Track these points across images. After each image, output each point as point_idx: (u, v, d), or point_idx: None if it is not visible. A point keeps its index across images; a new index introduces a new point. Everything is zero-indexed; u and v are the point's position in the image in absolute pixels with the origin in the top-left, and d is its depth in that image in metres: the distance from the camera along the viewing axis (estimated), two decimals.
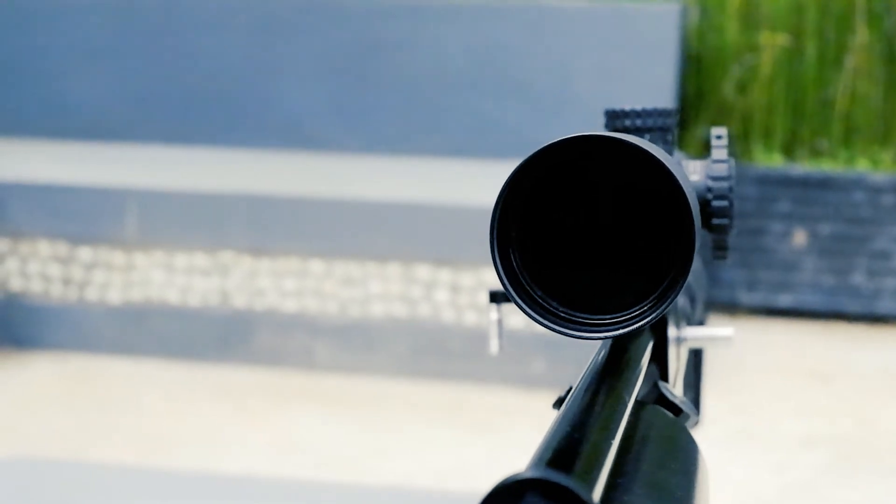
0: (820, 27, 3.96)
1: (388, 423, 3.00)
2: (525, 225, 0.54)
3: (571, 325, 0.54)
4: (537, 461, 0.40)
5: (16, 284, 3.55)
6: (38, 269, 3.53)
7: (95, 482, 2.25)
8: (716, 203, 0.78)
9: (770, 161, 3.99)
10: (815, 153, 4.01)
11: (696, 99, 4.11)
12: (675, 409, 0.70)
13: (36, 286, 3.54)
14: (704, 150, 4.08)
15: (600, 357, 0.60)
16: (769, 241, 3.95)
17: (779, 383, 3.33)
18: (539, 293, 0.54)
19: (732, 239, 0.83)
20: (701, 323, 1.31)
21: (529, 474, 0.36)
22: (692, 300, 1.13)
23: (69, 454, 2.83)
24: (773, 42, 3.95)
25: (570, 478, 0.37)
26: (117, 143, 4.30)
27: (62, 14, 4.42)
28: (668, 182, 0.51)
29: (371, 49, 4.14)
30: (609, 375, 0.55)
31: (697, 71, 4.11)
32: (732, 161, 0.83)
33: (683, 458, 0.60)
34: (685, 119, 4.12)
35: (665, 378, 0.75)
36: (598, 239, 0.55)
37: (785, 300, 3.94)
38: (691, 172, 0.81)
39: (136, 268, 3.47)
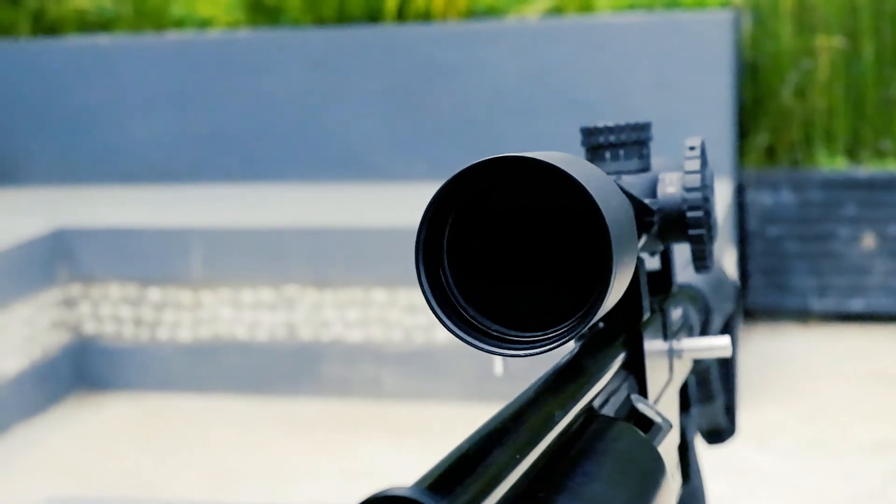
0: (876, 27, 3.90)
1: None
2: (456, 245, 0.55)
3: (501, 344, 0.54)
4: (421, 479, 0.40)
5: (89, 328, 3.63)
6: (110, 311, 3.60)
7: None
8: (690, 214, 0.78)
9: (834, 165, 3.94)
10: (880, 154, 3.95)
11: (755, 106, 4.07)
12: (647, 424, 0.70)
13: (108, 328, 3.61)
14: (766, 158, 4.05)
15: (549, 372, 0.61)
16: (838, 245, 3.89)
17: (850, 389, 3.27)
18: (472, 312, 0.55)
19: (712, 248, 0.83)
20: (727, 332, 1.30)
21: (397, 492, 0.37)
22: (706, 311, 1.12)
23: (142, 492, 2.87)
24: (829, 45, 3.90)
25: (442, 499, 0.38)
26: (180, 184, 4.38)
27: (121, 61, 4.51)
28: (585, 200, 0.51)
29: (425, 76, 4.17)
30: (547, 391, 0.56)
31: (754, 78, 4.07)
32: (709, 171, 0.83)
33: (638, 474, 0.60)
34: (744, 127, 4.08)
35: (643, 391, 0.75)
36: (527, 257, 0.55)
37: (857, 305, 3.88)
38: (668, 185, 0.81)
39: (204, 306, 3.52)
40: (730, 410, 1.31)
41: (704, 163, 0.81)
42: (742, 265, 3.97)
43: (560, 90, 4.04)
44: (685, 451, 0.95)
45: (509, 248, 0.55)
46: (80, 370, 3.63)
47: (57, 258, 3.59)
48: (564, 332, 0.53)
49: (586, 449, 0.59)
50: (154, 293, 3.57)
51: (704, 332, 1.11)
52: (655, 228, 0.78)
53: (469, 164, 0.53)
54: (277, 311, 3.47)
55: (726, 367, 1.31)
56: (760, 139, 4.02)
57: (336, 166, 4.27)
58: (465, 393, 3.31)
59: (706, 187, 0.79)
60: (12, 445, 3.20)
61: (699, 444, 1.18)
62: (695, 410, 1.16)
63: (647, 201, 0.78)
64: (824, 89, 3.94)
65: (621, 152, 0.81)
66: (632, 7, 4.28)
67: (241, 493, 2.84)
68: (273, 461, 3.02)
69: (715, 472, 2.68)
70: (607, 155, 0.81)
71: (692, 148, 0.80)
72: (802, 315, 3.92)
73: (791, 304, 3.94)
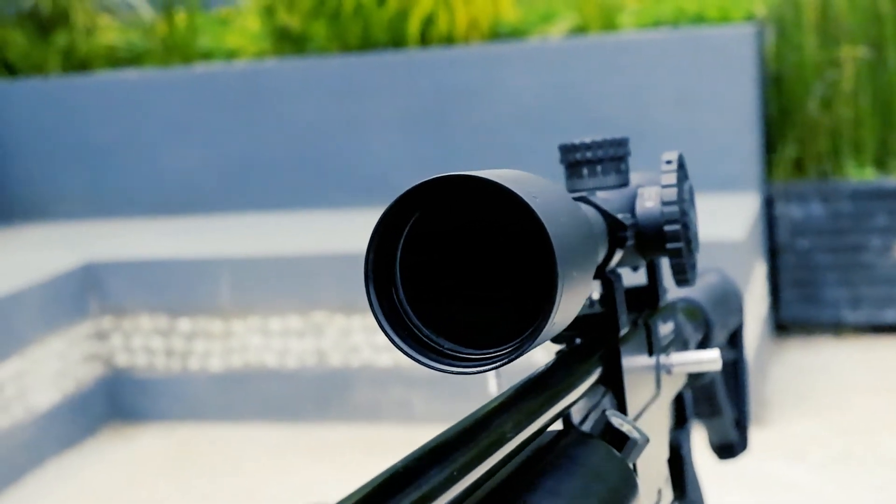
0: None
1: None
2: (408, 263, 0.55)
3: (454, 362, 0.54)
4: (345, 498, 0.40)
5: (121, 360, 3.65)
6: (142, 343, 3.63)
7: None
8: (667, 228, 0.78)
9: (863, 175, 3.90)
10: None
11: (781, 119, 4.05)
12: (622, 440, 0.69)
13: (140, 360, 3.63)
14: (794, 170, 4.02)
15: (511, 388, 0.60)
16: (869, 256, 3.86)
17: (884, 401, 3.24)
18: (426, 332, 0.55)
19: (693, 261, 0.82)
20: (733, 346, 1.29)
21: None
22: (705, 325, 1.11)
23: None
24: (853, 55, 3.88)
25: None
26: (207, 214, 4.41)
27: (149, 95, 4.55)
28: (529, 218, 0.51)
29: (449, 99, 4.17)
30: (503, 407, 0.56)
31: (779, 91, 4.05)
32: (688, 185, 0.83)
33: (604, 490, 0.60)
34: (772, 140, 4.06)
35: (622, 407, 0.75)
36: (479, 275, 0.55)
37: (891, 316, 3.84)
38: (646, 199, 0.81)
39: (234, 334, 3.54)
40: (740, 425, 1.30)
41: (684, 177, 0.81)
42: (773, 278, 3.94)
43: (585, 109, 4.04)
44: (680, 466, 0.94)
45: (461, 266, 0.55)
46: (113, 402, 3.65)
47: (88, 292, 3.62)
48: (514, 348, 0.53)
49: (552, 465, 0.59)
50: (184, 323, 3.59)
51: (704, 346, 1.10)
52: (632, 243, 0.78)
53: (414, 185, 0.53)
54: (306, 337, 3.48)
55: (735, 380, 1.30)
56: (788, 152, 4.00)
57: (362, 192, 4.28)
58: None
59: (684, 201, 0.79)
60: (46, 478, 3.22)
61: (712, 460, 1.17)
62: (699, 425, 1.15)
63: (624, 216, 0.77)
64: (850, 100, 3.92)
65: (599, 168, 0.81)
66: (656, 24, 4.28)
67: None
68: (304, 487, 3.02)
69: (746, 485, 2.66)
70: (585, 171, 0.81)
71: (668, 162, 0.80)
72: (835, 327, 3.89)
73: (823, 317, 3.90)
